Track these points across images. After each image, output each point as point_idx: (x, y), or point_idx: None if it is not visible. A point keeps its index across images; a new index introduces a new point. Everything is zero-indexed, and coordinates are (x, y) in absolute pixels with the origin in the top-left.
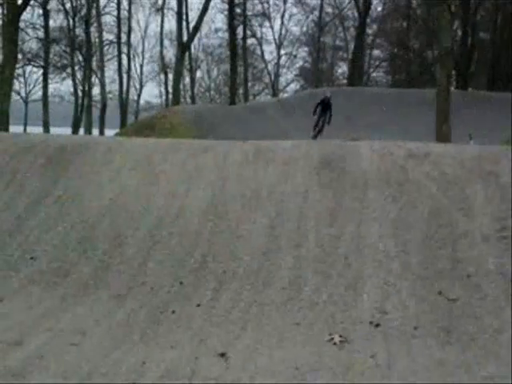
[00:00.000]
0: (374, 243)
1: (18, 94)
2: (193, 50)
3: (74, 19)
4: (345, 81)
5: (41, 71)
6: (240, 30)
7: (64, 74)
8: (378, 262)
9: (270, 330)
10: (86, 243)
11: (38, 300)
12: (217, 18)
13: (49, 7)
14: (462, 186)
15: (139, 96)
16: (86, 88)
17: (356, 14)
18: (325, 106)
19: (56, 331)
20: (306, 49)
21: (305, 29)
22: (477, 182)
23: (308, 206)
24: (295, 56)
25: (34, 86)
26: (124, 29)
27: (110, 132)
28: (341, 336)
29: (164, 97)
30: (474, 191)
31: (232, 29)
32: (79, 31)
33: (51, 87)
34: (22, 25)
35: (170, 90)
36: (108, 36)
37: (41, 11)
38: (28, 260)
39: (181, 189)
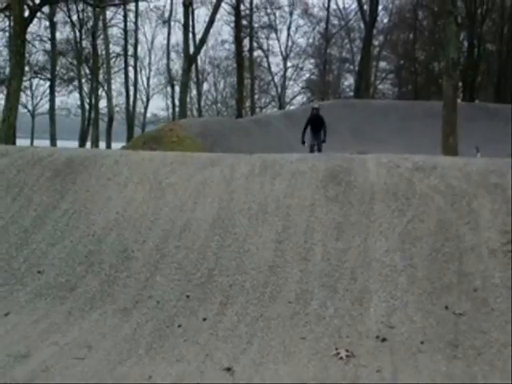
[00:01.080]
0: (381, 257)
1: (25, 106)
2: (199, 62)
3: (80, 31)
4: (351, 93)
5: (48, 84)
6: (246, 42)
7: (71, 87)
8: (384, 276)
9: (276, 345)
10: (92, 257)
11: (45, 314)
12: (223, 30)
13: (55, 19)
14: (469, 200)
15: (146, 109)
16: (93, 101)
17: (362, 26)
18: (316, 123)
19: (62, 345)
20: (312, 61)
21: (311, 41)
22: (483, 195)
23: (315, 220)
24: (302, 68)
25: (41, 99)
26: (131, 41)
27: (116, 145)
28: (347, 350)
29: (171, 110)
30: (481, 204)
31: (238, 41)
32: (86, 43)
33: (58, 100)
34: (28, 37)
35: (177, 102)
36: (115, 48)
37: (47, 23)
38: (35, 274)
39: (188, 202)
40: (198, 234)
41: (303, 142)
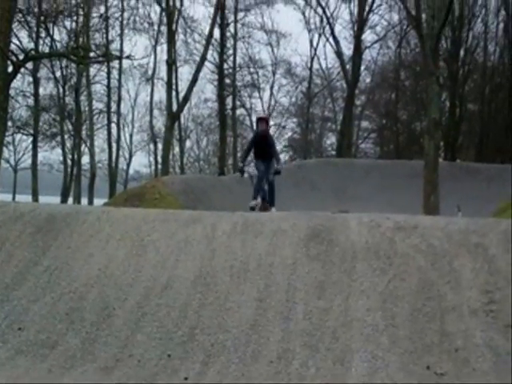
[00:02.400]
0: (363, 316)
1: (7, 161)
2: (182, 119)
3: (64, 88)
4: (333, 152)
5: (30, 139)
6: (229, 101)
7: (54, 143)
8: (366, 336)
9: None
10: (74, 314)
11: (25, 371)
12: (206, 89)
13: (39, 75)
14: (450, 259)
15: (128, 165)
16: (76, 157)
17: (345, 86)
18: (264, 144)
19: None
20: (294, 120)
21: (294, 100)
22: (464, 254)
23: (296, 279)
24: (284, 127)
25: (24, 154)
26: (114, 98)
27: (99, 201)
28: None
29: (153, 166)
30: (462, 264)
31: (221, 99)
32: (69, 100)
33: (40, 155)
34: (12, 92)
35: (160, 159)
36: (98, 105)
37: (31, 79)
38: (16, 330)
39: (169, 260)
40: (179, 292)
41: (242, 172)
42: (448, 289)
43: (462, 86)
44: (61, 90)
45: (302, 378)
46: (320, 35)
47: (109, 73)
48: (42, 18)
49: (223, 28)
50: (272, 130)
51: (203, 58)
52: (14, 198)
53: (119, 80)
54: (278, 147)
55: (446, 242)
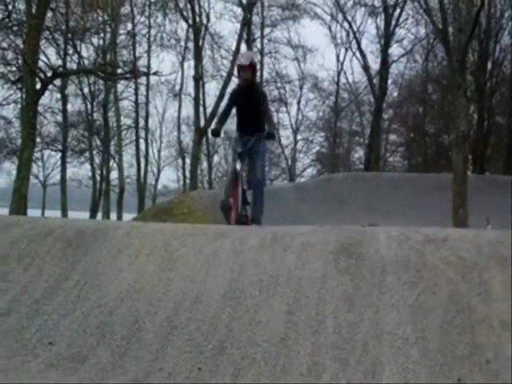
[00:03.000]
0: (393, 329)
1: (37, 177)
2: (210, 135)
3: (92, 104)
4: (361, 166)
5: (59, 155)
6: None
7: (82, 158)
8: (396, 349)
9: None
10: (104, 328)
11: None
12: None
13: (67, 92)
14: (480, 271)
15: (157, 180)
16: (104, 172)
17: (372, 99)
18: (247, 104)
19: None
20: (322, 134)
21: (321, 114)
22: (494, 266)
23: (326, 292)
24: (312, 141)
25: (53, 170)
26: (142, 114)
27: (127, 216)
28: None
29: (181, 181)
30: (492, 276)
31: None
32: (97, 116)
33: (69, 171)
34: (40, 109)
35: (188, 174)
36: (126, 121)
37: (59, 96)
38: (46, 345)
39: (199, 274)
40: (209, 306)
41: (216, 133)
42: (478, 301)
43: (489, 99)
44: (89, 106)
45: None
46: (347, 49)
47: (136, 89)
48: (70, 35)
49: (250, 43)
50: (300, 145)
51: (230, 74)
52: (43, 214)
53: (147, 96)
54: (306, 161)
55: (476, 255)
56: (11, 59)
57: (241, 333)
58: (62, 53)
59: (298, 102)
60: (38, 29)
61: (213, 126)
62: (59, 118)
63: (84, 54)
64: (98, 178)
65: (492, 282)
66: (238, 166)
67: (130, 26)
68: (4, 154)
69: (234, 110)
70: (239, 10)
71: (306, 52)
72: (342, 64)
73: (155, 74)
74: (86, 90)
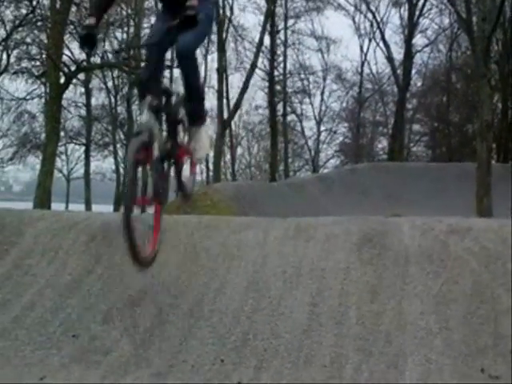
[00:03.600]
0: (416, 320)
1: (60, 171)
2: (233, 127)
3: (115, 97)
4: (385, 156)
5: (83, 149)
6: (280, 107)
7: (106, 152)
8: (419, 339)
9: None
10: (127, 321)
11: (79, 379)
12: (257, 96)
13: (91, 86)
14: (504, 261)
15: None
16: None
17: (396, 90)
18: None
19: None
20: (345, 124)
21: (344, 105)
22: None
23: (349, 283)
24: (335, 132)
25: (76, 164)
26: None
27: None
28: None
29: (205, 174)
30: None
31: (272, 106)
32: (121, 109)
33: (93, 165)
34: (64, 103)
35: (211, 167)
36: None
37: (83, 90)
38: (70, 338)
39: (222, 266)
40: (232, 298)
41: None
42: (502, 291)
43: None
44: (113, 99)
45: (355, 382)
46: (370, 40)
47: None
48: None
49: (273, 35)
50: (323, 136)
51: (254, 66)
52: (67, 208)
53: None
54: (329, 152)
55: (500, 245)
56: (35, 54)
57: (264, 324)
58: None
59: (322, 93)
60: (62, 23)
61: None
62: (83, 111)
63: (108, 48)
64: (121, 171)
65: None
66: (148, 119)
67: (153, 19)
68: (28, 149)
69: None
70: (263, 2)
71: (329, 43)
72: (366, 55)
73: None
74: (109, 84)
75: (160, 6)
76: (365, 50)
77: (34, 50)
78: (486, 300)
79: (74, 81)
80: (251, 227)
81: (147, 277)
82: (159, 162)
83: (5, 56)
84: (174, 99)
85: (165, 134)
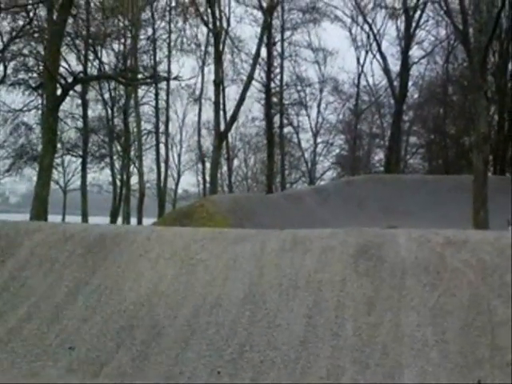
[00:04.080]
0: (413, 332)
1: (57, 183)
2: (230, 139)
3: (112, 109)
4: (382, 168)
5: (79, 161)
6: (277, 119)
7: (102, 164)
8: (416, 351)
9: None
10: (124, 333)
11: None
12: (254, 108)
13: (87, 97)
14: (501, 273)
15: (177, 185)
16: (125, 177)
17: (392, 102)
18: None
19: None
20: (342, 136)
21: (341, 117)
22: None
23: (345, 295)
24: (332, 144)
25: (73, 176)
26: (162, 119)
27: (148, 221)
28: None
29: (202, 186)
30: None
31: (269, 118)
32: (118, 121)
33: (90, 177)
34: (61, 115)
35: (208, 179)
36: (146, 126)
37: (80, 101)
38: (66, 349)
39: (218, 278)
40: (228, 310)
41: None
42: (499, 303)
43: (510, 100)
44: (109, 111)
45: None
46: (367, 52)
47: (157, 94)
48: (90, 41)
49: (270, 47)
50: (319, 148)
51: (250, 78)
52: (63, 219)
53: (167, 101)
54: (326, 164)
55: (497, 257)
56: (32, 65)
57: (260, 336)
58: (82, 59)
59: (318, 105)
60: (59, 35)
61: None
62: (80, 123)
63: (105, 59)
64: (118, 183)
65: None
66: None
67: (150, 31)
68: (25, 160)
69: None
70: (259, 14)
71: (326, 55)
72: (363, 66)
73: (175, 78)
74: (106, 96)
75: None
76: (361, 61)
77: (30, 62)
78: (483, 312)
79: (71, 92)
80: (248, 239)
81: (144, 289)
82: None
83: (1, 67)
84: None
85: None
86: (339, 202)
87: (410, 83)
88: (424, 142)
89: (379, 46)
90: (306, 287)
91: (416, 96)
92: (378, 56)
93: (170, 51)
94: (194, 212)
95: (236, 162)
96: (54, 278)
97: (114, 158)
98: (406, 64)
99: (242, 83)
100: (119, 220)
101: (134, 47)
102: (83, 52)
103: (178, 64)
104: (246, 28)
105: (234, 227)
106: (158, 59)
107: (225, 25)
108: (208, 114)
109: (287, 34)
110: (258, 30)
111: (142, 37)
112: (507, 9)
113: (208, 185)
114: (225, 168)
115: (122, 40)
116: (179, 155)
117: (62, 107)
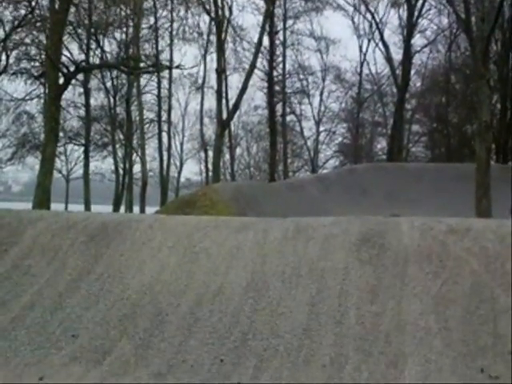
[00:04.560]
0: (415, 320)
1: (60, 171)
2: (232, 127)
3: (114, 98)
4: (384, 156)
5: (82, 149)
6: (279, 107)
7: (105, 152)
8: (419, 339)
9: None
10: (127, 321)
11: (79, 378)
12: (256, 96)
13: (90, 86)
14: (503, 261)
15: (179, 173)
16: (127, 166)
17: (395, 90)
18: None
19: None
20: (344, 125)
21: (344, 105)
22: None
23: (348, 283)
24: (334, 132)
25: (76, 164)
26: (164, 107)
27: (150, 209)
28: None
29: (204, 174)
30: None
31: (271, 106)
32: (120, 110)
33: (92, 165)
34: (63, 104)
35: (210, 167)
36: (148, 114)
37: (82, 90)
38: (69, 337)
39: (221, 266)
40: (231, 298)
41: None
42: (501, 291)
43: None
44: (111, 100)
45: (355, 382)
46: (369, 41)
47: (159, 82)
48: (93, 30)
49: (272, 36)
50: (322, 136)
51: (253, 66)
52: (66, 208)
53: (169, 89)
54: (328, 153)
55: (499, 245)
56: (34, 54)
57: (263, 324)
58: (84, 47)
59: (321, 94)
60: (61, 24)
61: None
62: (82, 112)
63: (107, 48)
64: (120, 171)
65: None
66: None
67: (152, 19)
68: (27, 149)
69: None
70: (261, 3)
71: (328, 43)
72: (365, 55)
73: (178, 67)
74: (108, 85)
75: None
76: (364, 50)
77: (33, 51)
78: (486, 300)
79: (73, 81)
80: (250, 228)
81: (147, 277)
82: None
83: (4, 57)
84: None
85: None
86: (342, 191)
87: (412, 72)
88: (426, 130)
89: (381, 34)
90: (309, 275)
91: (418, 84)
92: (380, 45)
93: (172, 40)
94: (197, 200)
95: (238, 151)
96: (56, 267)
97: (117, 146)
98: (408, 52)
99: (245, 72)
100: (122, 208)
101: (136, 36)
102: (85, 41)
103: (180, 53)
104: (248, 16)
105: (236, 215)
106: (160, 48)
107: (227, 13)
108: (210, 102)
109: (289, 22)
110: (260, 18)
111: (144, 25)
112: None
113: (210, 173)
114: (227, 156)
115: (124, 29)
116: (181, 144)
117: (64, 96)
